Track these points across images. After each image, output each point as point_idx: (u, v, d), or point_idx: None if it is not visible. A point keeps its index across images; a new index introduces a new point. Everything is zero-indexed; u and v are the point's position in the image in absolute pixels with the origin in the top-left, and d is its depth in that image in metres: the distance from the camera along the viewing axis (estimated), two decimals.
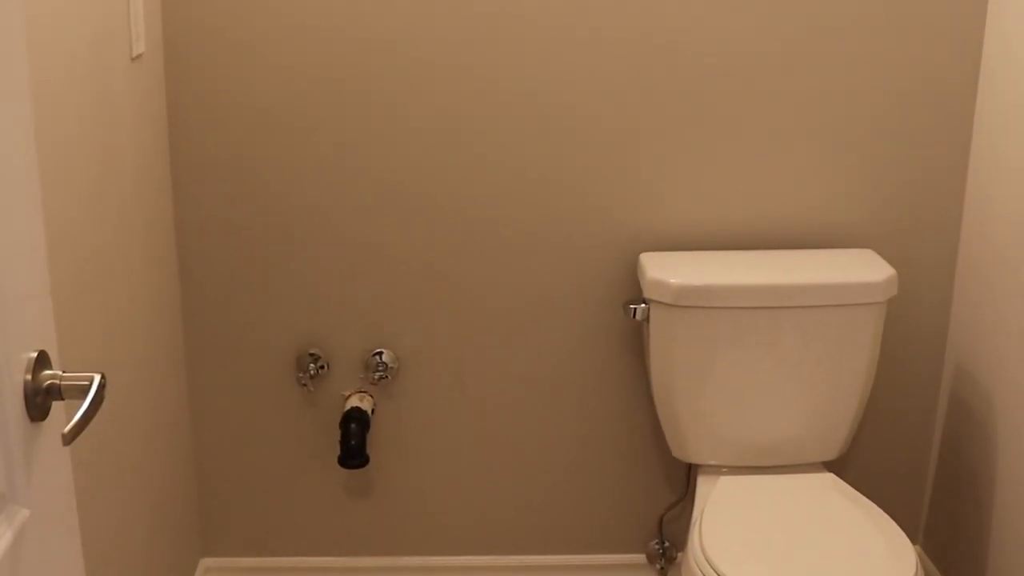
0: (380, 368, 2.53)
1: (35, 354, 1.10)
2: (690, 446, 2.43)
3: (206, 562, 2.68)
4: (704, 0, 2.34)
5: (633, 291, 2.46)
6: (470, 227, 2.46)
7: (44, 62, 1.63)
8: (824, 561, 2.09)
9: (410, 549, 2.70)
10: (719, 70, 2.38)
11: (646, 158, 2.43)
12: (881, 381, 2.49)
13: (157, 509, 2.32)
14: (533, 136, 2.41)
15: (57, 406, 1.15)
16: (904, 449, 2.67)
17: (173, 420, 2.45)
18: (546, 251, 2.48)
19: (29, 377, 1.09)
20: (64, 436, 1.12)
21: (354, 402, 2.53)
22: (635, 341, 2.54)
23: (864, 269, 2.37)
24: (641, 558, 2.73)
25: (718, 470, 2.42)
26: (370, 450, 2.53)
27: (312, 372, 2.53)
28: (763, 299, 2.31)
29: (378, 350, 2.54)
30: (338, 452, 2.49)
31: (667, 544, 2.70)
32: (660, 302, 2.32)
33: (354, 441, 2.47)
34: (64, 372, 1.14)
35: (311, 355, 2.53)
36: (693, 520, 2.26)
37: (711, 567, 2.05)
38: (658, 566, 2.71)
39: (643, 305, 2.37)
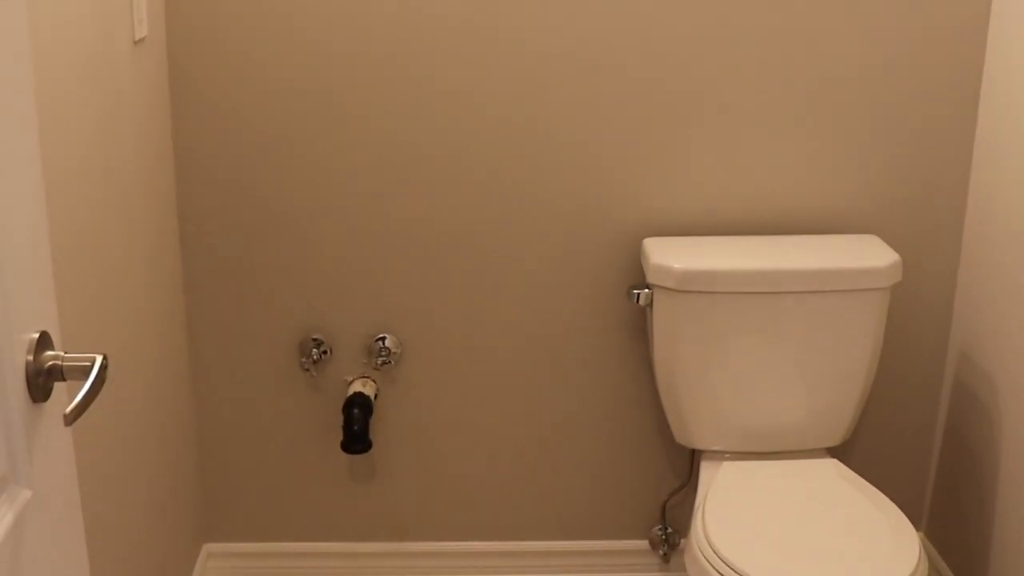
0: (383, 353, 2.53)
1: (37, 335, 1.10)
2: (693, 432, 2.43)
3: (209, 547, 2.69)
4: None
5: (637, 276, 2.46)
6: (473, 213, 2.46)
7: (46, 46, 1.63)
8: (828, 547, 2.09)
9: (412, 534, 2.70)
10: (724, 56, 2.37)
11: (650, 144, 2.43)
12: (885, 367, 2.49)
13: (160, 494, 2.32)
14: (537, 122, 2.40)
15: (59, 387, 1.15)
16: (908, 435, 2.67)
17: (176, 404, 2.45)
18: (550, 236, 2.48)
19: (31, 358, 1.09)
20: (66, 417, 1.12)
21: (357, 387, 2.53)
22: (639, 327, 2.54)
23: (868, 255, 2.37)
24: (644, 544, 2.73)
25: (721, 456, 2.42)
26: (373, 435, 2.53)
27: (315, 357, 2.53)
28: (767, 284, 2.30)
29: (381, 335, 2.53)
30: (341, 437, 2.49)
31: (670, 530, 2.70)
32: (664, 287, 2.31)
33: (357, 426, 2.47)
34: (66, 353, 1.14)
35: (314, 340, 2.53)
36: (696, 506, 2.26)
37: (714, 553, 2.05)
38: (661, 552, 2.71)
39: (647, 290, 2.37)
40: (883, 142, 2.45)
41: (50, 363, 1.12)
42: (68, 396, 1.15)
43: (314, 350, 2.53)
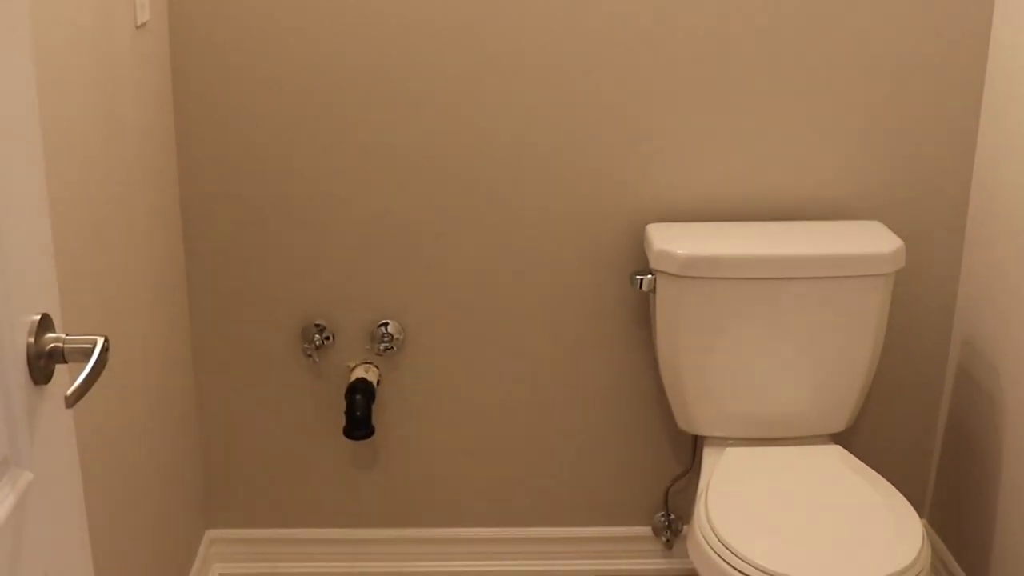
0: (385, 339, 2.53)
1: (38, 317, 1.10)
2: (696, 418, 2.43)
3: (211, 533, 2.69)
4: None
5: (640, 262, 2.45)
6: (476, 198, 2.45)
7: (48, 29, 1.62)
8: (830, 533, 2.09)
9: (415, 521, 2.70)
10: (728, 42, 2.36)
11: (653, 129, 2.42)
12: (888, 353, 2.48)
13: (162, 480, 2.32)
14: (540, 107, 2.40)
15: (60, 370, 1.15)
16: (911, 422, 2.67)
17: (178, 390, 2.44)
18: (553, 221, 2.47)
19: (32, 340, 1.09)
20: (67, 399, 1.12)
21: (359, 373, 2.53)
22: (642, 312, 2.53)
23: (872, 241, 2.36)
24: (647, 531, 2.73)
25: (724, 442, 2.42)
26: (375, 421, 2.52)
27: (317, 343, 2.53)
28: (770, 270, 2.30)
29: (383, 321, 2.53)
30: (343, 423, 2.49)
31: (673, 517, 2.70)
32: (666, 273, 2.31)
33: (359, 412, 2.47)
34: (67, 335, 1.14)
35: (316, 326, 2.53)
36: (699, 492, 2.26)
37: (717, 538, 2.05)
38: (664, 539, 2.71)
39: (649, 276, 2.36)
40: (886, 128, 2.44)
41: (51, 345, 1.12)
42: (69, 379, 1.15)
43: (316, 336, 2.52)
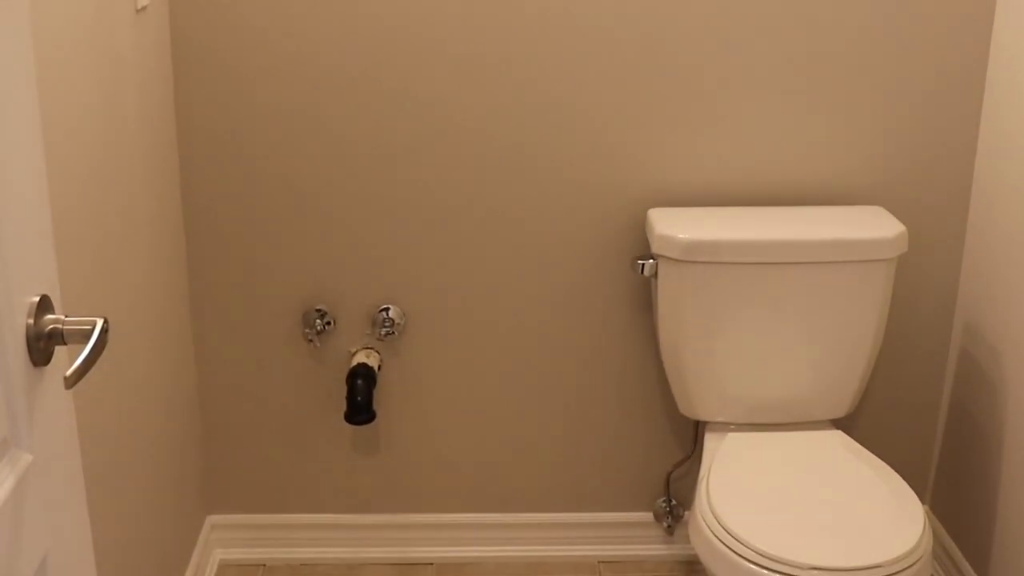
0: (387, 324, 2.52)
1: (37, 298, 1.10)
2: (698, 403, 2.43)
3: (212, 519, 2.69)
4: None
5: (641, 247, 2.45)
6: (478, 184, 2.45)
7: (48, 13, 1.61)
8: (832, 518, 2.09)
9: (416, 506, 2.70)
10: (730, 27, 2.36)
11: (655, 114, 2.41)
12: (890, 339, 2.48)
13: (163, 465, 2.32)
14: (541, 93, 2.39)
15: (60, 351, 1.15)
16: (912, 407, 2.66)
17: (178, 375, 2.44)
18: (554, 206, 2.47)
19: (31, 321, 1.09)
20: (66, 380, 1.12)
21: (360, 358, 2.53)
22: (643, 297, 2.53)
23: (874, 225, 2.35)
24: (648, 516, 2.73)
25: (726, 427, 2.41)
26: (376, 406, 2.52)
27: (319, 328, 2.52)
28: (772, 255, 2.29)
29: (385, 306, 2.53)
30: (344, 408, 2.49)
31: (674, 502, 2.70)
32: (668, 257, 2.30)
33: (360, 397, 2.46)
34: (66, 317, 1.13)
35: (317, 311, 2.52)
36: (700, 477, 2.26)
37: (719, 524, 2.04)
38: (665, 524, 2.71)
39: (651, 261, 2.36)
40: (889, 112, 2.43)
41: (51, 327, 1.12)
42: (69, 361, 1.15)
43: (317, 321, 2.52)
